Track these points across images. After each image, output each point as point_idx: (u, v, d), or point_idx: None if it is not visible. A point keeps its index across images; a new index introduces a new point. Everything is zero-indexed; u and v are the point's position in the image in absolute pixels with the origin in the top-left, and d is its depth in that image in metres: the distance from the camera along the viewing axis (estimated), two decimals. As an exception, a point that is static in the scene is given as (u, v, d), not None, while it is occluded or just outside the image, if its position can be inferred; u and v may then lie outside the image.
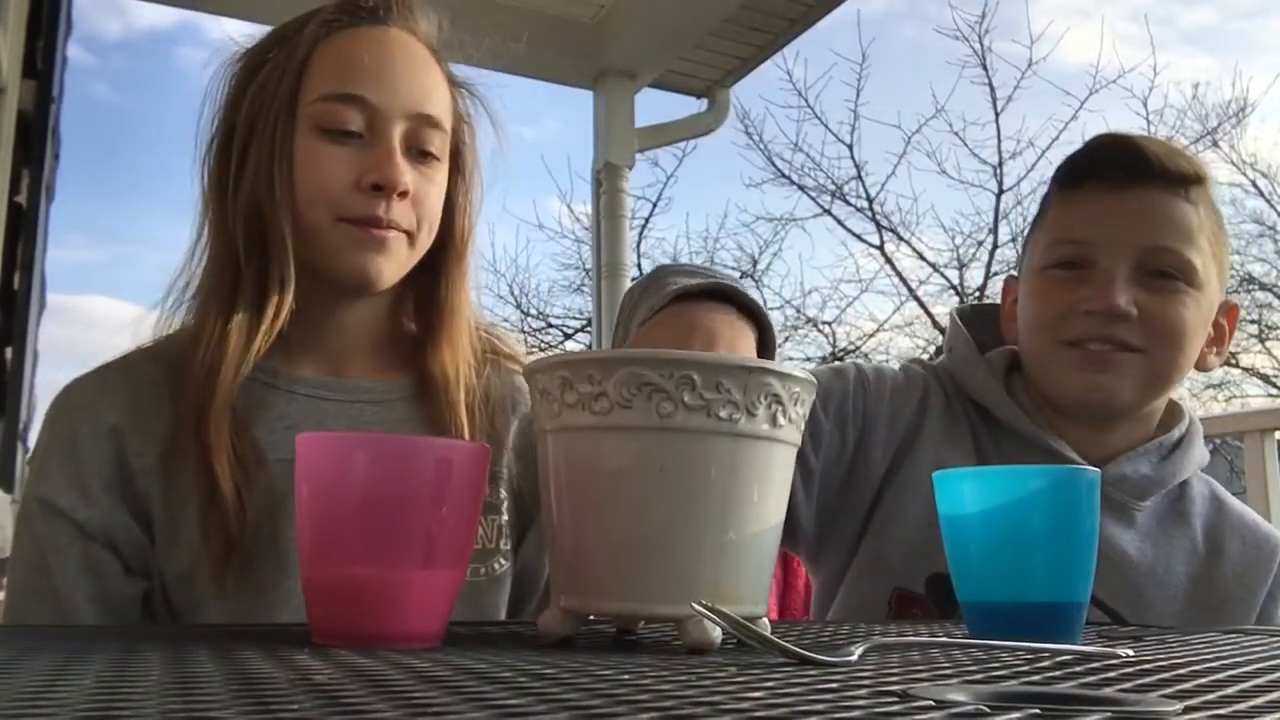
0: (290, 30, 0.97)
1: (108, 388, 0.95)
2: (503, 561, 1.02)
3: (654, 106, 3.96)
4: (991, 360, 1.15)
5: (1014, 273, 1.18)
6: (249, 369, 0.92)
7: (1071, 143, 13.16)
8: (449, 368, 1.00)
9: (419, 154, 0.96)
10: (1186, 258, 1.02)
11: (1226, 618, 1.09)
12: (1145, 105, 10.66)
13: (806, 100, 10.77)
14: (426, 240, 0.98)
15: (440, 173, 0.99)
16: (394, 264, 0.95)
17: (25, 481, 0.96)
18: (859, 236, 11.24)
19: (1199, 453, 1.13)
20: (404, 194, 0.93)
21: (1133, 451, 1.09)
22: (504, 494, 1.03)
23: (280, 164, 0.92)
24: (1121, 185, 1.03)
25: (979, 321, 1.21)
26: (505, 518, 1.03)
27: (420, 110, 0.95)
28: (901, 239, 11.08)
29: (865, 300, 17.15)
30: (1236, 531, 1.13)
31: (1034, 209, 1.20)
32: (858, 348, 11.35)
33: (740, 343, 0.77)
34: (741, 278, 11.47)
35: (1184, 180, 1.03)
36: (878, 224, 11.09)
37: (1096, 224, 1.04)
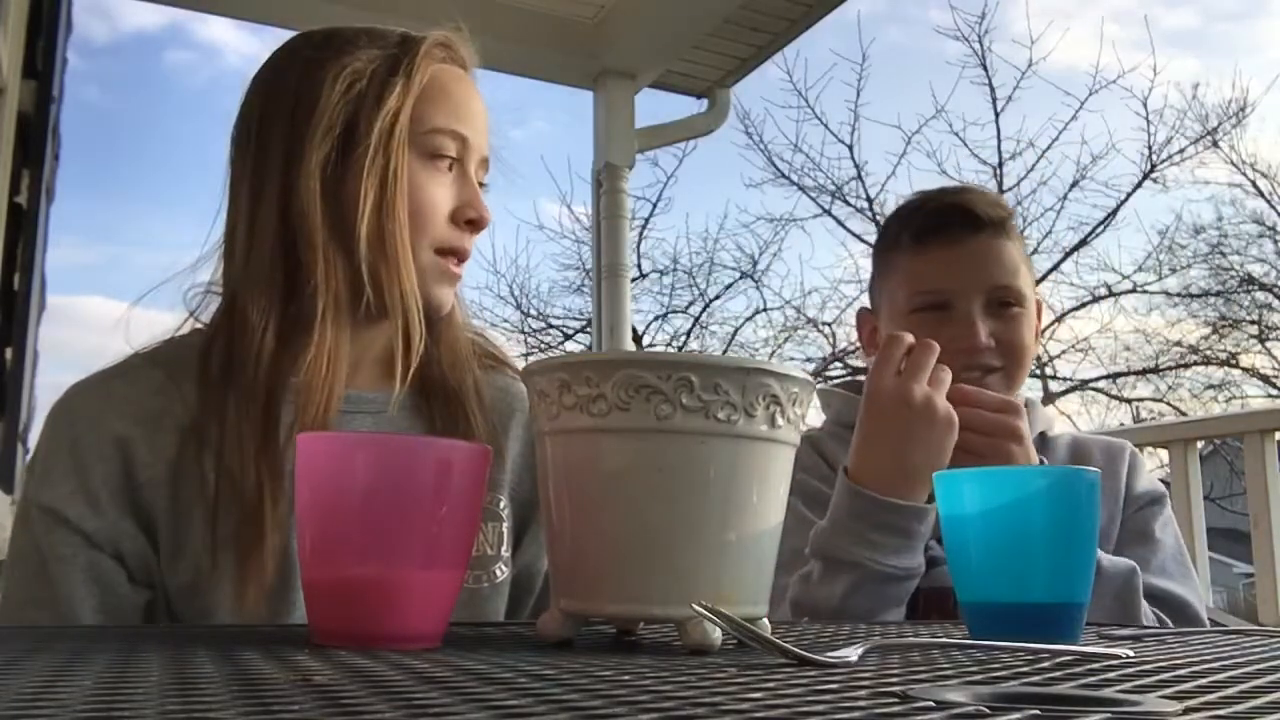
0: (396, 49, 0.97)
1: (114, 396, 0.94)
2: (503, 568, 1.02)
3: (654, 106, 3.96)
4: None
5: (866, 305, 1.39)
6: (341, 389, 0.94)
7: (1072, 142, 13.19)
8: (449, 371, 1.02)
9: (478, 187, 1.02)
10: (1018, 288, 1.25)
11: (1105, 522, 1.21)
12: (1145, 105, 10.68)
13: (806, 100, 10.80)
14: None
15: None
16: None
17: (25, 488, 0.94)
18: (859, 237, 11.27)
19: (1041, 412, 1.32)
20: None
21: None
22: (504, 501, 1.03)
23: (399, 188, 0.94)
24: (962, 239, 1.24)
25: (846, 389, 1.38)
26: (506, 524, 1.03)
27: (485, 151, 1.02)
28: (901, 239, 11.06)
29: (865, 300, 17.12)
30: (1096, 452, 1.30)
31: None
32: (858, 348, 11.33)
33: None
34: (741, 278, 11.49)
35: (1002, 223, 1.26)
36: (877, 224, 11.08)
37: (950, 273, 1.24)
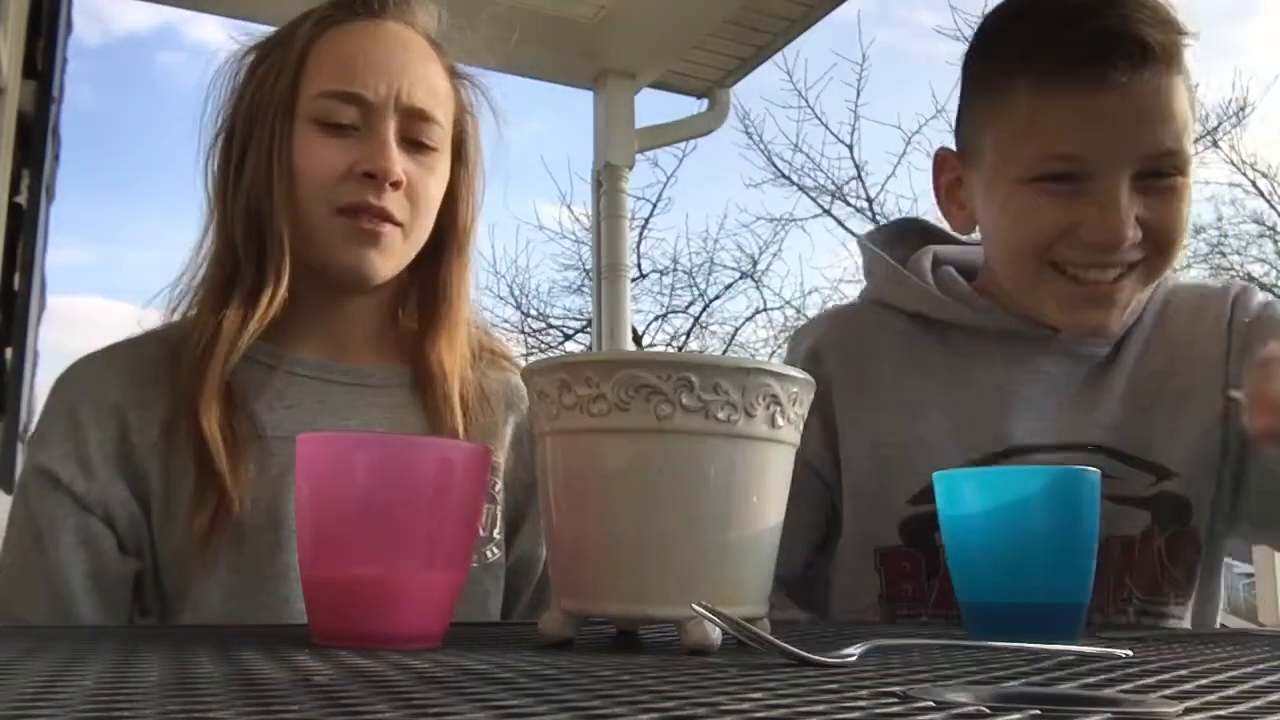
0: (288, 29, 0.99)
1: (113, 365, 0.97)
2: (495, 550, 1.03)
3: (654, 106, 3.95)
4: (916, 268, 1.08)
5: (949, 146, 1.06)
6: (238, 355, 0.93)
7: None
8: (446, 360, 1.02)
9: (415, 145, 0.97)
10: (1186, 151, 0.91)
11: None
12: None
13: (806, 100, 10.78)
14: (422, 233, 1.00)
15: (440, 163, 1.00)
16: (389, 259, 0.97)
17: (25, 455, 0.97)
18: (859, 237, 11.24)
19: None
20: (396, 184, 0.94)
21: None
22: (499, 484, 1.04)
23: (279, 159, 0.94)
24: (1113, 83, 0.87)
25: (895, 241, 1.14)
26: (499, 507, 1.04)
27: (412, 104, 0.96)
28: (902, 239, 11.06)
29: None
30: (1186, 301, 1.05)
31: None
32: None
33: None
34: (741, 278, 11.49)
35: (1174, 52, 0.89)
36: (877, 224, 11.07)
37: (1092, 131, 0.89)
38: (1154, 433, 1.02)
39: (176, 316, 0.99)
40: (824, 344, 1.08)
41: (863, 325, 1.09)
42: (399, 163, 0.94)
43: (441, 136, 0.99)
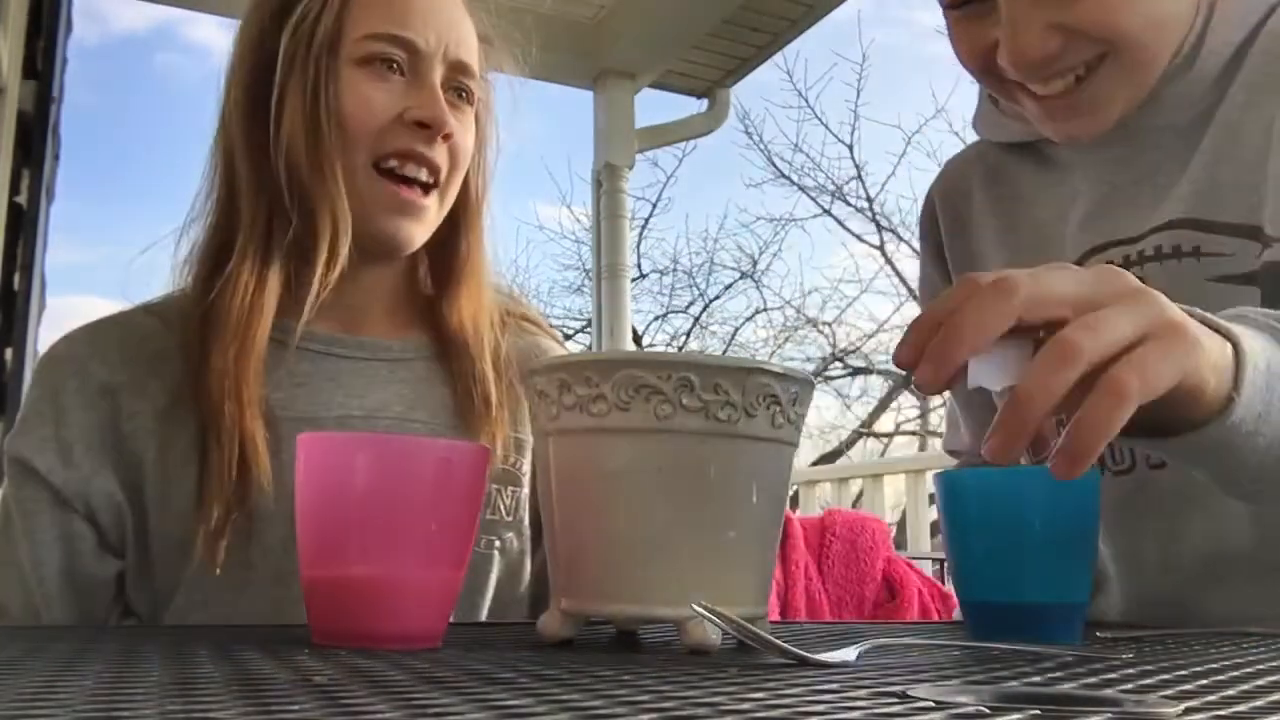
0: None
1: (101, 343, 0.91)
2: (514, 539, 0.98)
3: (654, 106, 3.97)
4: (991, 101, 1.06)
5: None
6: (300, 327, 0.89)
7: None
8: (468, 324, 0.98)
9: (456, 98, 0.95)
10: None
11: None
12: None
13: (806, 100, 10.82)
14: (454, 191, 0.97)
15: (472, 120, 0.98)
16: (425, 227, 0.94)
17: (7, 439, 0.91)
18: (859, 237, 11.27)
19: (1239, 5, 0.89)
20: (447, 136, 0.92)
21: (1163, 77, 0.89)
22: (526, 466, 0.99)
23: (326, 101, 0.89)
24: None
25: None
26: (525, 490, 0.99)
27: (458, 56, 0.94)
28: (901, 239, 11.10)
29: (865, 300, 17.11)
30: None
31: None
32: (858, 348, 11.36)
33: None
34: (741, 278, 11.49)
35: None
36: (878, 224, 11.11)
37: None
38: (1257, 186, 0.86)
39: (187, 282, 0.93)
40: (934, 193, 1.14)
41: (963, 164, 1.12)
42: (449, 113, 0.92)
43: (475, 92, 0.97)
